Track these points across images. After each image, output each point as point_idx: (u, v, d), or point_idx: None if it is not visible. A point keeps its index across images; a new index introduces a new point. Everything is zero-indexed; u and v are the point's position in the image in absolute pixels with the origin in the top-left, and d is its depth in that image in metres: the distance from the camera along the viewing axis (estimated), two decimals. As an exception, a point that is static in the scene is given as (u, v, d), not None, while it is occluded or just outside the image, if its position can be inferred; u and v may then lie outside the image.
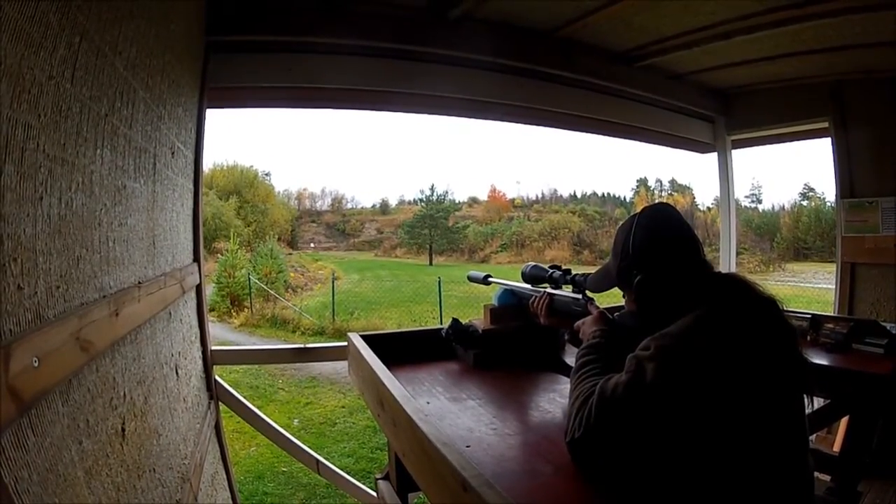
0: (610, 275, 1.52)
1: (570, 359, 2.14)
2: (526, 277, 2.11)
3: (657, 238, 1.39)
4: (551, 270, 2.00)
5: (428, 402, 1.76)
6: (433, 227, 35.41)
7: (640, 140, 5.13)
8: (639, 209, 1.52)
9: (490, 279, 2.39)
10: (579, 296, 1.82)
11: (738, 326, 1.19)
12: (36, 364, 0.97)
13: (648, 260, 1.37)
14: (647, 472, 1.14)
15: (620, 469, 1.17)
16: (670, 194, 37.15)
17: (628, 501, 1.15)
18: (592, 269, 1.78)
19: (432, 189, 37.52)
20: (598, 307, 1.72)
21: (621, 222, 1.51)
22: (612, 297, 1.97)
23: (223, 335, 13.33)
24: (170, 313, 2.32)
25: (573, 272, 1.90)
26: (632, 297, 1.44)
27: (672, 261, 1.36)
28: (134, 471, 1.58)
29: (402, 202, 42.95)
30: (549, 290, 1.99)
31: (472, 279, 2.52)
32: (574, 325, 1.75)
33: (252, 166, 34.85)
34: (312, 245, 37.30)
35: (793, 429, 1.23)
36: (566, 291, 1.92)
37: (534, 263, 2.11)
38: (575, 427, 1.21)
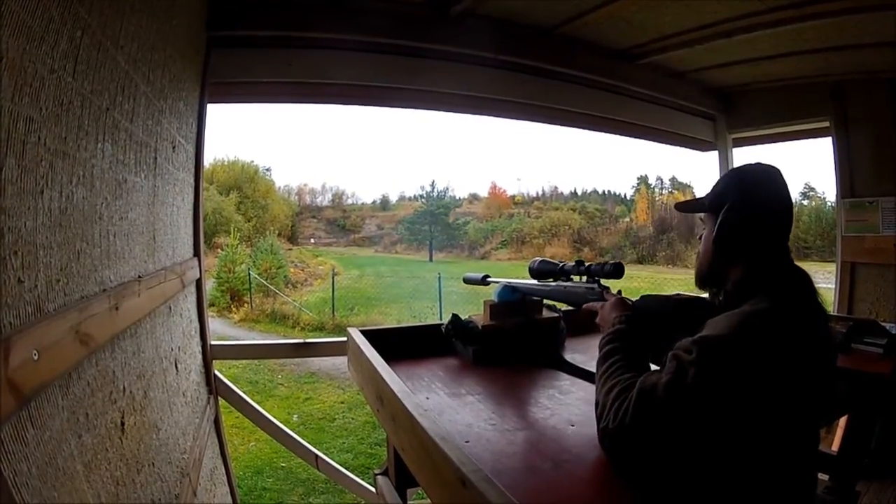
0: (700, 206, 1.47)
1: (570, 355, 2.15)
2: (534, 273, 2.09)
3: (757, 211, 1.33)
4: (562, 263, 1.98)
5: (427, 398, 1.75)
6: (433, 223, 35.35)
7: (641, 137, 5.12)
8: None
9: (489, 279, 2.38)
10: (594, 285, 1.81)
11: (788, 336, 1.17)
12: (35, 357, 0.97)
13: (745, 229, 1.32)
14: (672, 466, 1.14)
15: (646, 462, 1.17)
16: (671, 192, 36.94)
17: (626, 498, 1.16)
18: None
19: (433, 185, 37.56)
20: (613, 294, 1.72)
21: (732, 174, 1.43)
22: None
23: (222, 330, 13.35)
24: (170, 308, 2.32)
25: (586, 262, 1.88)
26: (711, 237, 1.39)
27: (762, 235, 1.32)
28: (133, 465, 1.59)
29: (402, 198, 42.78)
30: (561, 282, 1.98)
31: (468, 281, 2.49)
32: (586, 306, 1.76)
33: (253, 161, 34.52)
34: (312, 241, 37.16)
35: (811, 434, 1.25)
36: (578, 283, 1.91)
37: (541, 258, 2.10)
38: (609, 417, 1.20)
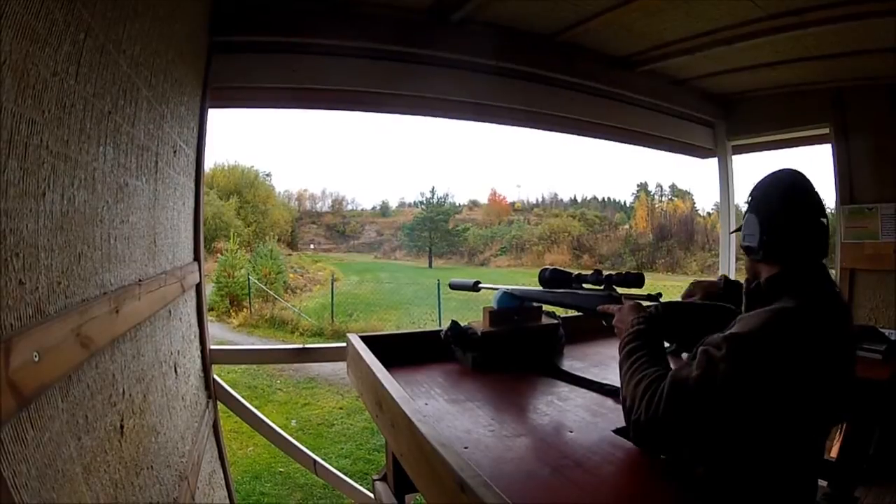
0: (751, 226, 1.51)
1: (568, 362, 2.15)
2: (545, 282, 2.07)
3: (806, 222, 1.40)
4: (576, 272, 2.00)
5: (426, 404, 1.75)
6: (433, 229, 35.33)
7: (641, 145, 5.12)
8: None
9: (480, 285, 2.37)
10: (610, 292, 1.83)
11: (813, 334, 1.24)
12: (36, 359, 0.97)
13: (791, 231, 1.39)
14: (700, 454, 1.25)
15: (676, 450, 1.28)
16: (670, 199, 36.92)
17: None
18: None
19: (433, 191, 37.54)
20: (630, 299, 1.75)
21: (770, 181, 1.48)
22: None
23: (221, 335, 13.32)
24: (170, 312, 2.32)
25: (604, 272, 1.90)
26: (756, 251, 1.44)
27: (791, 236, 1.39)
28: (132, 468, 1.58)
29: (402, 204, 42.86)
30: (573, 289, 1.98)
31: (456, 287, 2.46)
32: (601, 307, 1.79)
33: (253, 167, 34.42)
34: (312, 246, 37.12)
35: (824, 428, 1.38)
36: (589, 290, 1.91)
37: (553, 267, 2.10)
38: (641, 409, 1.26)
